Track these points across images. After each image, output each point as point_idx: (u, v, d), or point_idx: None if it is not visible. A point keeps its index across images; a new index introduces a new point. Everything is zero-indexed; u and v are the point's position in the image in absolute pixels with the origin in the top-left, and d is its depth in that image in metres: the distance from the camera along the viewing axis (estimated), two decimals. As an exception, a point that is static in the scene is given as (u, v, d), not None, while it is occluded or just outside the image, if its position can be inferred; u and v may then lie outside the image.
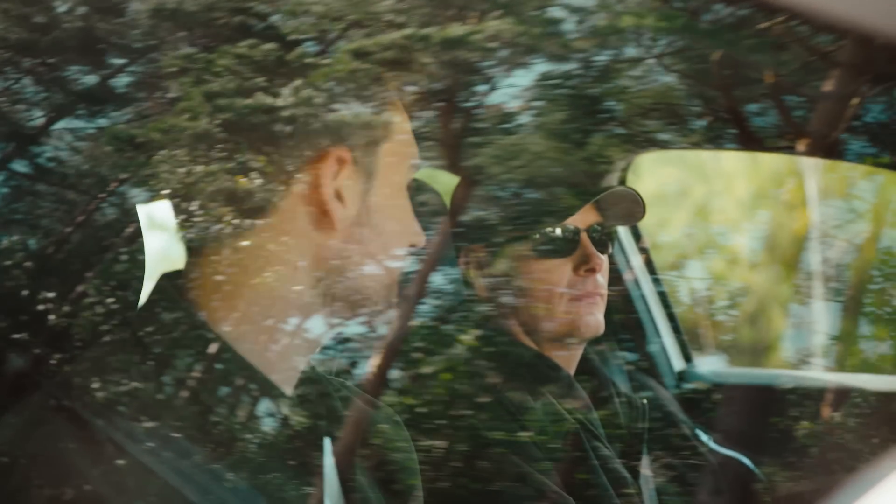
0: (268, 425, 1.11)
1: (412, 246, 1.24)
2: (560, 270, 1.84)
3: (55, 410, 1.04)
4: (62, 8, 1.39)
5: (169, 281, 1.14)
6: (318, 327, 1.14)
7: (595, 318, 1.85)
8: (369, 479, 1.21)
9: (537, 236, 1.84)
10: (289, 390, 1.16)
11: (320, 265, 1.14)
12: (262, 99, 1.12)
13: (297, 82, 1.14)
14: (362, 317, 1.17)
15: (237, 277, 1.12)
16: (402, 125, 1.20)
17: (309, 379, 1.22)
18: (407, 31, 1.23)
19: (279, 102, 1.14)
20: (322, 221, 1.13)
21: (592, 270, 1.84)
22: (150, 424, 1.04)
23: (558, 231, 1.85)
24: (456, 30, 1.27)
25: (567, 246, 1.85)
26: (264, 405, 1.11)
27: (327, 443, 1.17)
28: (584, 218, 1.86)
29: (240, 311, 1.11)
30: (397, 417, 1.37)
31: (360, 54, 1.19)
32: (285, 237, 1.12)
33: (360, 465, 1.20)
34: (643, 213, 1.94)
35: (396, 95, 1.19)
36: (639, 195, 1.92)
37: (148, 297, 1.16)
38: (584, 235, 1.85)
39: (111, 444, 1.01)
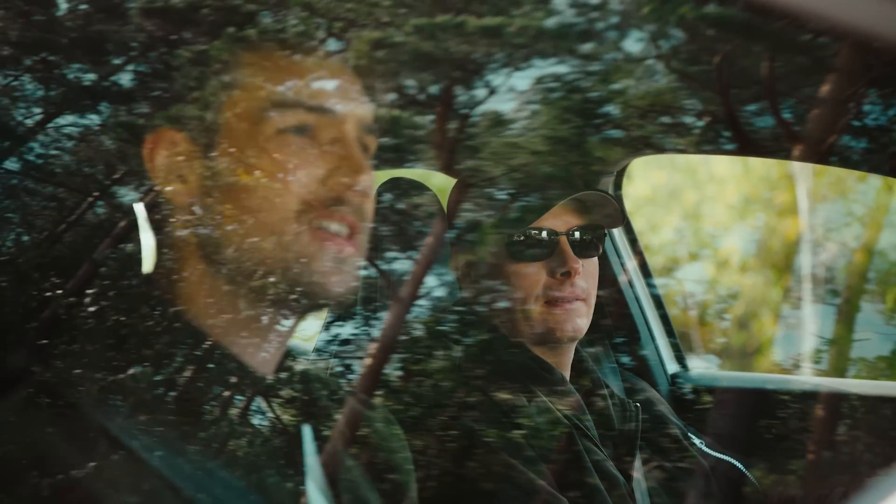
0: (250, 417, 1.10)
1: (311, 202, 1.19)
2: (537, 274, 1.84)
3: (47, 405, 1.03)
4: (63, 6, 1.39)
5: (146, 275, 1.16)
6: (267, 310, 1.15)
7: (572, 322, 1.84)
8: (364, 477, 1.21)
9: (515, 239, 1.83)
10: (269, 375, 1.16)
11: (199, 241, 1.15)
12: None
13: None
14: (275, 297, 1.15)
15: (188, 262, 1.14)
16: (251, 93, 1.17)
17: (301, 377, 1.21)
18: (406, 26, 1.22)
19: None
20: (174, 200, 1.15)
21: (568, 274, 1.83)
22: (138, 417, 1.04)
23: (534, 234, 1.84)
24: (453, 24, 1.27)
25: (542, 249, 1.84)
26: (246, 396, 1.11)
27: (307, 430, 1.16)
28: (562, 221, 1.86)
29: (196, 295, 1.13)
30: (391, 416, 1.36)
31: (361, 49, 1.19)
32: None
33: (354, 463, 1.19)
34: (620, 215, 1.94)
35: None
36: (612, 197, 1.91)
37: (132, 293, 1.16)
38: (562, 239, 1.84)
39: (102, 438, 1.01)
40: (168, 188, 1.13)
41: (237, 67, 1.17)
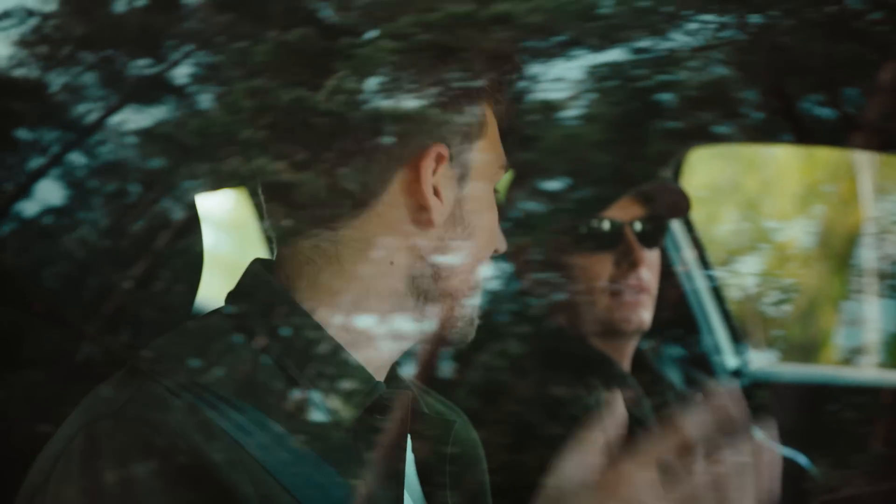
0: (353, 415, 1.10)
1: (495, 252, 1.23)
2: (601, 265, 1.82)
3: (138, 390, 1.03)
4: (120, 3, 1.41)
5: (260, 265, 1.15)
6: (407, 323, 1.14)
7: (637, 315, 1.83)
8: (447, 482, 1.21)
9: (580, 230, 1.83)
10: (381, 379, 1.16)
11: (415, 261, 1.14)
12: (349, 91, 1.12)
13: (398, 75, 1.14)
14: (448, 315, 1.16)
15: (332, 266, 1.13)
16: (494, 123, 1.19)
17: (392, 378, 1.21)
18: (455, 10, 1.21)
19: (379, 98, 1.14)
20: (420, 217, 1.14)
21: (634, 265, 1.82)
22: (236, 404, 1.04)
23: (600, 225, 1.83)
24: (508, 8, 1.26)
25: (608, 240, 1.83)
26: (351, 393, 1.10)
27: (409, 440, 1.16)
28: (627, 212, 1.85)
29: (333, 299, 1.12)
30: (467, 419, 1.36)
31: (403, 35, 1.18)
32: (383, 231, 1.13)
33: (437, 467, 1.19)
34: (688, 206, 1.92)
35: (492, 92, 1.18)
36: (682, 187, 1.89)
37: (238, 281, 1.16)
38: (627, 229, 1.83)
39: (196, 422, 1.00)
40: (429, 201, 1.13)
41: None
